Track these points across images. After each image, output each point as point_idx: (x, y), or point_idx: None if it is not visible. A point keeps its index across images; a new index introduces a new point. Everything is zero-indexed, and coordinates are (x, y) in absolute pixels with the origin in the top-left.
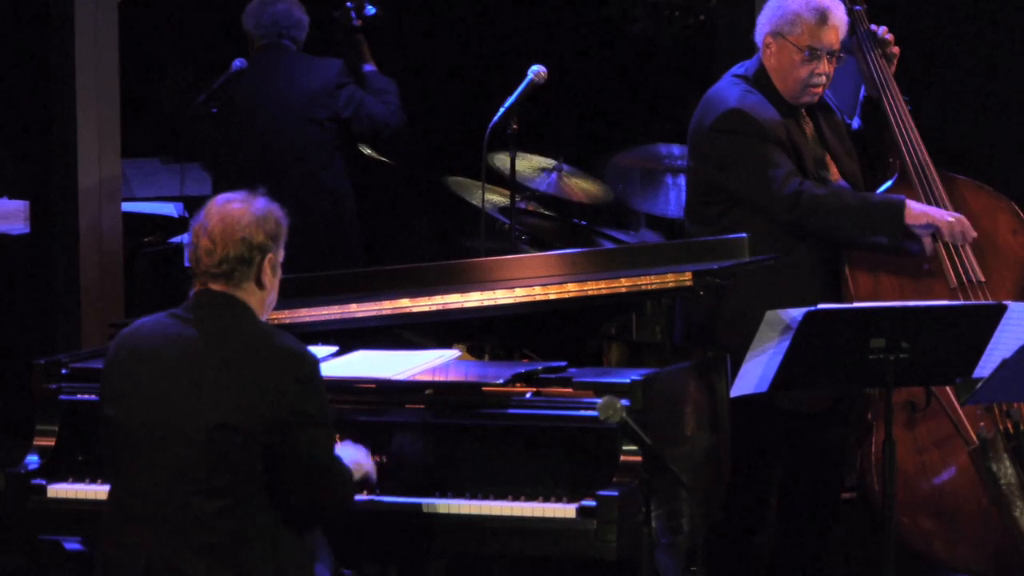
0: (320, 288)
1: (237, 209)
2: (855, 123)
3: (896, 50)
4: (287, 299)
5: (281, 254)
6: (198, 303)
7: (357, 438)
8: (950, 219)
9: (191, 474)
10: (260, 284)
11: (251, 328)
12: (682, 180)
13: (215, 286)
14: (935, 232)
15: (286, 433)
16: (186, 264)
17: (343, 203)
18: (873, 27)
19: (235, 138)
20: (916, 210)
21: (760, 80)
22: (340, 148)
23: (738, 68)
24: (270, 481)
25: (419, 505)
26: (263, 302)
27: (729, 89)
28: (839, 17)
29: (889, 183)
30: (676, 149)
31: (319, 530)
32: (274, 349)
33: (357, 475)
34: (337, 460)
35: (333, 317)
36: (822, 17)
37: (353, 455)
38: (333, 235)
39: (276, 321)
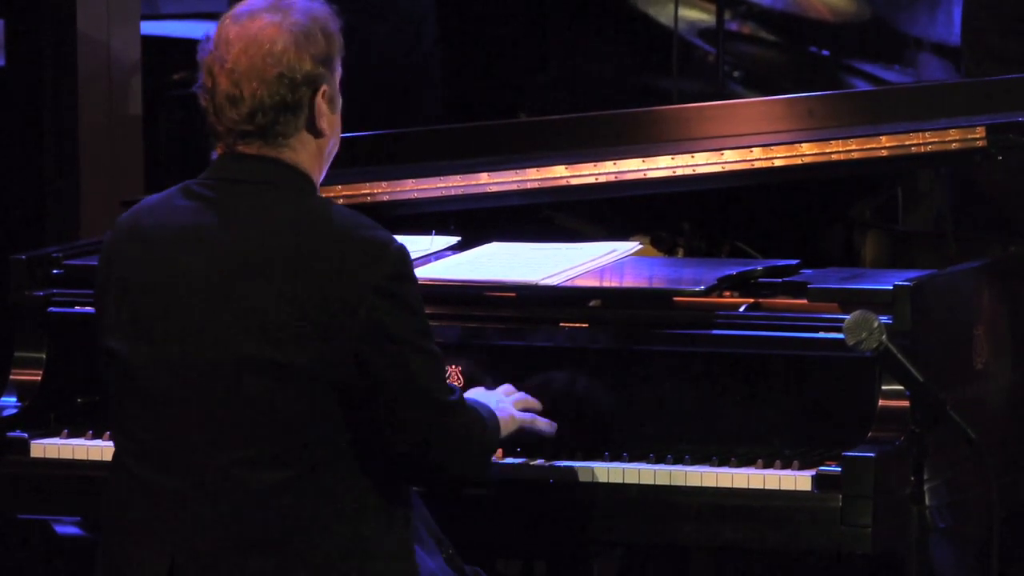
0: (432, 148)
1: (265, 29)
2: None
3: None
4: (381, 165)
5: (338, 75)
6: (222, 174)
7: (487, 370)
8: None
9: (234, 434)
10: (316, 131)
11: (302, 210)
12: None
13: (247, 149)
14: None
15: (364, 368)
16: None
17: (415, 20)
18: None
19: None
20: None
21: None
22: None
23: None
24: (352, 441)
25: (578, 471)
26: (321, 153)
27: None
28: None
29: None
30: None
31: (420, 508)
32: (340, 242)
33: (508, 429)
34: (452, 394)
35: (454, 192)
36: None
37: (498, 403)
38: (400, 69)
39: (371, 197)
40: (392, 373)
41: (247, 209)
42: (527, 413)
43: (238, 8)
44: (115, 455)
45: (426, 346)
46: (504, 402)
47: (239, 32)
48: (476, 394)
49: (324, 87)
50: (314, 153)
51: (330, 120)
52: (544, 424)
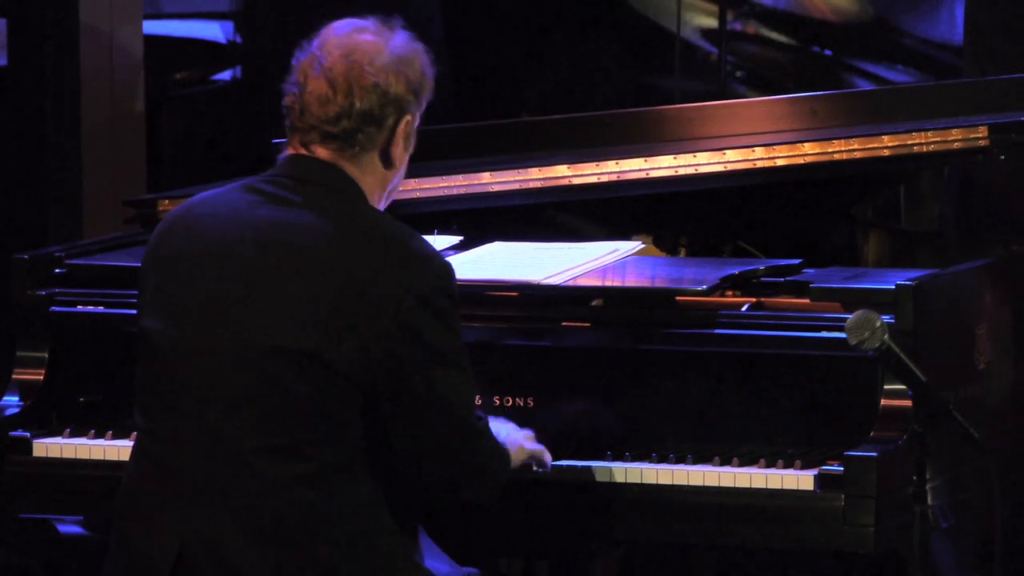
0: (436, 148)
1: (369, 43)
2: None
3: None
4: None
5: (418, 119)
6: (295, 173)
7: (489, 369)
8: None
9: (257, 423)
10: (387, 159)
11: (357, 215)
12: None
13: (322, 152)
14: None
15: (395, 373)
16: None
17: (421, 21)
18: None
19: None
20: None
21: None
22: None
23: None
24: (372, 445)
25: (581, 471)
26: (384, 185)
27: None
28: None
29: None
30: None
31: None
32: (389, 249)
33: (517, 460)
34: (479, 419)
35: (457, 192)
36: None
37: (508, 434)
38: None
39: None
40: (421, 383)
41: (304, 206)
42: (536, 444)
43: (343, 21)
44: (137, 443)
45: (459, 363)
46: (514, 433)
47: (342, 41)
48: (497, 426)
49: (408, 117)
50: (379, 182)
51: (402, 155)
52: (549, 459)
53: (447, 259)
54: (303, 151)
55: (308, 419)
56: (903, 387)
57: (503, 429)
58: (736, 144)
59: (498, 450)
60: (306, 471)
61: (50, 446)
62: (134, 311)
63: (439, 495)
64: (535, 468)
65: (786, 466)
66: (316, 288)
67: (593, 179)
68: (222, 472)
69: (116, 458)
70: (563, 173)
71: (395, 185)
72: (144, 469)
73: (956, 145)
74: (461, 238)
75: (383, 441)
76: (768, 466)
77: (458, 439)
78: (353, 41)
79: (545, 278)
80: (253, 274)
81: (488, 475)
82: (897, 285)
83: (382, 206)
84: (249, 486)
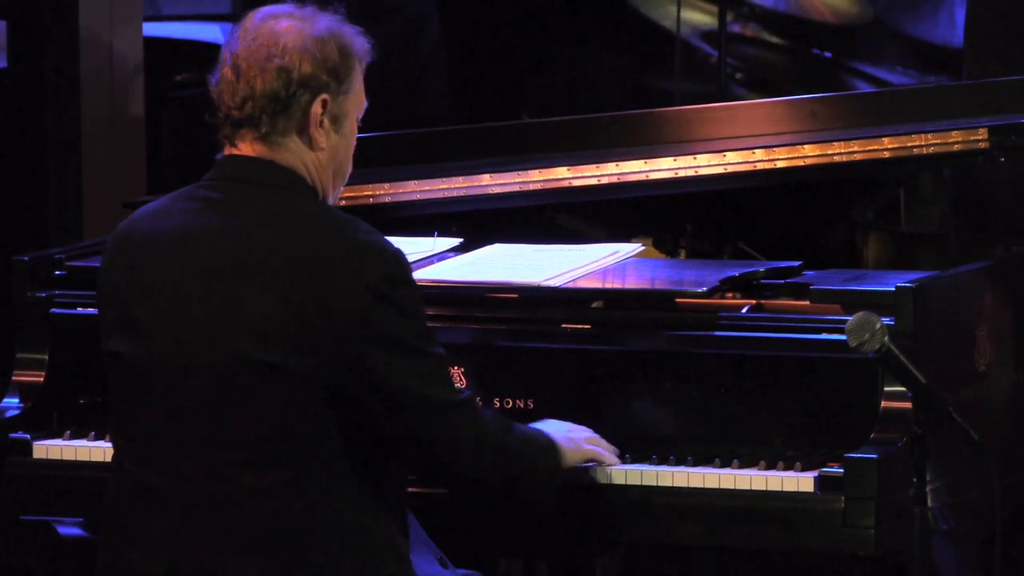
0: (434, 150)
1: (283, 27)
2: None
3: None
4: (384, 167)
5: (353, 100)
6: (223, 174)
7: (490, 371)
8: None
9: (229, 436)
10: (309, 141)
11: (300, 213)
12: None
13: (245, 146)
14: None
15: (360, 371)
16: None
17: (417, 21)
18: None
19: None
20: None
21: None
22: None
23: None
24: (349, 443)
25: (581, 472)
26: (322, 168)
27: None
28: None
29: None
30: None
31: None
32: (336, 245)
33: (573, 459)
34: (457, 395)
35: (457, 194)
36: None
37: (567, 432)
38: (402, 71)
39: (373, 199)
40: (388, 376)
41: (246, 210)
42: (594, 447)
43: (269, 7)
44: (114, 457)
45: (424, 348)
46: (576, 431)
47: (258, 28)
48: (547, 425)
49: (324, 96)
50: (314, 164)
51: (327, 136)
52: (607, 456)
53: (397, 246)
54: (234, 150)
55: (279, 427)
56: (903, 389)
57: (563, 428)
58: (736, 146)
59: (492, 425)
60: (286, 477)
61: (50, 448)
62: None
63: (438, 480)
64: (606, 460)
65: (786, 468)
66: (270, 297)
67: (593, 181)
68: (203, 486)
69: None
70: (563, 175)
71: (340, 165)
72: (125, 488)
73: (956, 147)
74: (461, 240)
75: (362, 437)
76: (768, 468)
77: (434, 421)
78: (268, 28)
79: (545, 280)
80: (207, 288)
81: (478, 450)
82: (897, 287)
83: (334, 189)
84: (230, 498)
